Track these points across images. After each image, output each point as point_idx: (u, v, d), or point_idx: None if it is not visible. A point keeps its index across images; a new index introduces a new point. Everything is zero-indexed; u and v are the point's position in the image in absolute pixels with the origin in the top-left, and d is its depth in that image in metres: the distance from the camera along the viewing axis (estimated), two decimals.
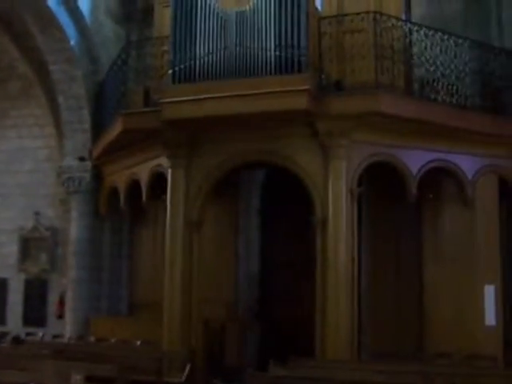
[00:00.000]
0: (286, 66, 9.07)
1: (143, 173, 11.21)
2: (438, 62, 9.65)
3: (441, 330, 10.06)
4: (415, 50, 9.55)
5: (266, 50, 9.20)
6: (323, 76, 9.50)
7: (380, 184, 10.68)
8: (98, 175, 12.80)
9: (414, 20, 10.99)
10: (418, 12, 11.86)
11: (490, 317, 10.00)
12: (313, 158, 9.54)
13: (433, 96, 9.61)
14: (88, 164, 12.72)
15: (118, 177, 12.12)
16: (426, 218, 10.69)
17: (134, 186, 11.63)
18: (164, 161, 10.53)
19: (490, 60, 10.22)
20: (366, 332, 10.35)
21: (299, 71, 9.00)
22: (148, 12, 13.51)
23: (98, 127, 12.48)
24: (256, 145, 9.83)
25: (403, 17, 10.22)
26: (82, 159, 12.71)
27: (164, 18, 11.57)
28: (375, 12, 9.41)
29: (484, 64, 10.10)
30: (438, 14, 11.92)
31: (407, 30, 9.49)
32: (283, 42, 9.10)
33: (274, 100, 8.99)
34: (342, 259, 9.18)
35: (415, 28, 9.58)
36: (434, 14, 11.93)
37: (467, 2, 11.94)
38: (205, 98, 9.33)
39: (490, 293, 10.04)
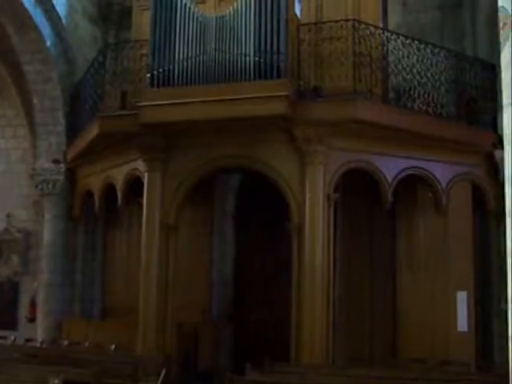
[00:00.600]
0: (265, 71, 9.12)
1: (119, 176, 11.15)
2: (415, 71, 9.77)
3: (414, 336, 10.15)
4: (392, 58, 9.65)
5: (245, 55, 9.25)
6: (301, 82, 9.57)
7: (355, 189, 10.77)
8: (72, 178, 12.68)
9: (390, 28, 11.10)
10: (394, 20, 11.97)
11: (463, 323, 10.13)
12: (290, 163, 9.58)
13: (409, 104, 9.72)
14: (62, 166, 12.58)
15: (93, 180, 12.02)
16: (400, 224, 10.79)
17: (109, 189, 11.56)
18: (140, 164, 10.49)
19: (465, 70, 10.37)
20: (341, 337, 10.40)
21: (278, 77, 9.05)
22: (125, 14, 13.48)
23: (72, 129, 12.37)
24: (233, 150, 9.85)
25: (381, 25, 10.31)
26: (56, 161, 12.57)
27: (142, 21, 11.55)
28: (354, 20, 9.50)
29: (459, 74, 10.25)
30: (414, 22, 12.08)
31: (385, 38, 9.59)
32: (262, 48, 9.16)
33: (253, 105, 9.03)
34: (318, 264, 9.22)
35: (393, 36, 9.69)
36: (410, 22, 12.08)
37: (443, 13, 12.10)
38: (183, 103, 9.33)
39: (462, 299, 10.18)
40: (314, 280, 9.17)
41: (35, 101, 12.47)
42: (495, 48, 10.21)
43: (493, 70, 10.38)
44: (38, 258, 13.01)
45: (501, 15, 5.57)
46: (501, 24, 5.57)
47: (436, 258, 10.29)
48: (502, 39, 5.56)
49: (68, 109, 12.55)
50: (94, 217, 12.72)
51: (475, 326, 10.31)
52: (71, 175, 12.67)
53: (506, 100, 5.48)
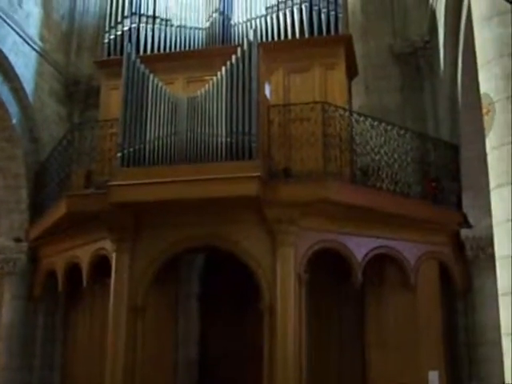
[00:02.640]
0: (236, 152, 9.21)
1: (84, 256, 10.90)
2: (382, 152, 9.99)
3: None
4: (361, 139, 9.85)
5: (216, 136, 9.33)
6: (272, 163, 9.66)
7: (323, 266, 10.74)
8: (34, 257, 12.37)
9: (354, 109, 11.38)
10: (357, 102, 12.33)
11: None
12: (261, 243, 9.54)
13: (378, 184, 9.88)
14: (24, 245, 12.29)
15: (57, 259, 11.73)
16: (369, 301, 10.74)
17: (73, 268, 11.30)
18: (107, 244, 10.30)
19: (429, 150, 10.65)
20: None
21: (249, 158, 9.14)
22: (90, 93, 13.62)
23: (35, 207, 12.19)
24: (203, 229, 9.77)
25: (347, 106, 10.57)
26: (17, 240, 12.29)
27: (110, 101, 11.68)
28: (323, 102, 9.72)
29: (424, 154, 10.51)
30: (377, 104, 12.46)
31: (353, 120, 9.80)
32: (234, 129, 9.28)
33: (225, 186, 9.04)
34: (290, 343, 9.08)
35: (361, 118, 9.93)
36: (373, 104, 12.45)
37: (404, 95, 12.53)
38: (154, 183, 9.30)
39: (433, 379, 10.09)
40: (286, 360, 9.00)
41: None
42: (456, 129, 10.60)
43: (456, 151, 10.69)
44: None
45: (484, 102, 5.81)
46: (484, 110, 5.80)
47: (406, 337, 10.23)
48: (486, 125, 5.77)
49: (32, 187, 12.36)
50: (55, 297, 12.37)
51: None
52: (33, 254, 12.36)
53: (493, 183, 5.65)
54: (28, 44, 12.26)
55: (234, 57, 9.68)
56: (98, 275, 10.82)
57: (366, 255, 9.92)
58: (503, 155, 5.51)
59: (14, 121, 11.92)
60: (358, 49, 12.18)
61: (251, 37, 9.78)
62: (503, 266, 5.44)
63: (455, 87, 10.33)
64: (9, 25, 11.51)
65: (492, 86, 5.72)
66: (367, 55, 13.13)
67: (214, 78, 9.71)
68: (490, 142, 5.72)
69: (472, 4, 6.48)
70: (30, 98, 12.23)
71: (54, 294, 12.12)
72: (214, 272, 12.52)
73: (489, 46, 5.85)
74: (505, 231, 5.41)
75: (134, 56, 10.19)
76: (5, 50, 11.40)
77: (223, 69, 9.67)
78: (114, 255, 10.05)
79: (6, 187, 12.35)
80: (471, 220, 10.36)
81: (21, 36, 11.97)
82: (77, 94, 13.86)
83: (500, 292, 5.49)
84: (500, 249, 5.54)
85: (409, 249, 10.29)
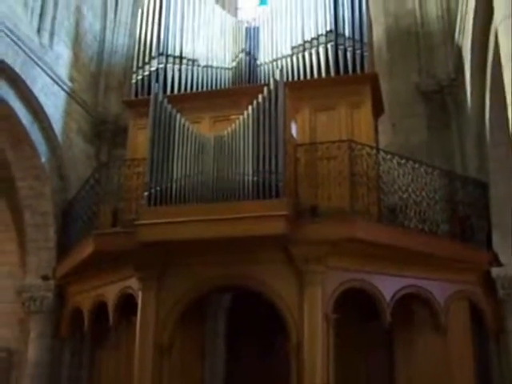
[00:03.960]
0: (263, 191, 9.19)
1: (111, 294, 10.90)
2: (410, 190, 9.91)
3: None
4: (388, 177, 9.79)
5: (243, 174, 9.35)
6: (298, 201, 9.63)
7: (351, 305, 10.59)
8: (60, 295, 12.39)
9: (381, 147, 11.34)
10: (384, 140, 12.30)
11: None
12: (288, 283, 9.45)
13: (406, 222, 9.78)
14: (51, 283, 12.33)
15: (83, 297, 11.74)
16: (397, 342, 10.56)
17: (99, 307, 11.29)
18: (134, 282, 10.29)
19: (457, 188, 10.55)
20: None
21: (276, 196, 9.11)
22: (118, 133, 13.79)
23: (63, 245, 12.25)
24: (231, 269, 9.71)
25: (374, 145, 10.54)
26: (45, 278, 12.34)
27: (137, 140, 11.81)
28: (350, 141, 9.71)
29: (452, 192, 10.41)
30: (404, 142, 12.43)
31: (381, 158, 9.76)
32: (261, 168, 9.28)
33: (252, 225, 9.02)
34: None
35: (388, 156, 9.88)
36: (400, 142, 12.43)
37: (431, 133, 12.49)
38: (181, 222, 9.31)
39: None
40: None
41: (27, 216, 12.37)
42: (483, 167, 10.50)
43: (484, 189, 10.58)
44: (21, 379, 12.49)
45: None
46: None
47: (437, 380, 10.02)
48: None
49: (59, 225, 12.44)
50: (81, 335, 12.35)
51: None
52: (60, 292, 12.39)
53: None
54: (58, 84, 12.47)
55: (260, 96, 9.73)
56: (124, 314, 10.79)
57: (394, 295, 9.75)
58: None
59: (43, 159, 12.08)
60: (384, 86, 12.16)
61: (278, 76, 9.84)
62: None
63: (483, 124, 10.26)
64: (40, 66, 11.73)
65: None
66: (393, 93, 13.14)
67: (241, 117, 9.76)
68: None
69: (499, 41, 6.45)
70: (59, 137, 12.40)
71: (81, 332, 12.11)
72: (241, 310, 12.42)
73: None
74: None
75: (161, 96, 10.30)
76: (35, 91, 11.60)
77: (250, 108, 9.73)
78: (140, 293, 10.03)
79: (34, 225, 12.46)
80: (502, 258, 10.19)
81: (51, 77, 12.19)
82: (104, 133, 14.04)
83: None
84: None
85: (438, 288, 10.12)
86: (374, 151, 9.85)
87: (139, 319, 9.93)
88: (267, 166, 9.25)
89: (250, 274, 9.63)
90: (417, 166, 10.07)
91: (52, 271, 12.36)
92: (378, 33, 13.77)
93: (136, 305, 10.14)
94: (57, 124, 12.34)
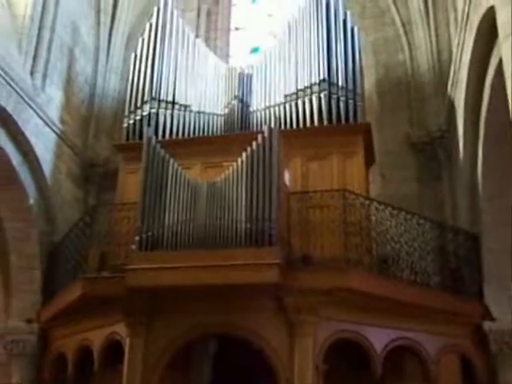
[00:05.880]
0: (256, 238, 9.13)
1: (97, 339, 10.64)
2: (402, 240, 9.89)
3: None
4: (381, 228, 9.78)
5: (236, 221, 9.29)
6: (291, 250, 9.57)
7: (342, 354, 10.43)
8: (44, 338, 12.09)
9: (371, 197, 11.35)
10: (374, 190, 12.32)
11: None
12: (278, 332, 9.30)
13: (398, 273, 9.73)
14: (35, 326, 12.04)
15: (68, 341, 11.44)
16: None
17: (84, 352, 11.04)
18: (121, 328, 10.07)
19: (448, 240, 10.54)
20: None
21: (269, 244, 9.05)
22: (107, 176, 13.71)
23: (48, 289, 12.02)
24: (220, 317, 9.55)
25: (366, 195, 10.56)
26: (28, 321, 12.06)
27: (127, 184, 11.75)
28: (344, 190, 9.71)
29: (444, 244, 10.40)
30: (394, 193, 12.44)
31: (374, 208, 9.76)
32: (254, 215, 9.23)
33: (244, 272, 8.94)
34: None
35: (381, 207, 9.88)
36: (390, 193, 12.43)
37: (422, 184, 12.56)
38: (172, 268, 9.21)
39: None
40: None
41: (13, 258, 12.15)
42: (475, 218, 10.52)
43: (476, 241, 10.56)
44: None
45: None
46: None
47: None
48: None
49: (45, 268, 12.24)
50: (64, 380, 12.01)
51: None
52: (44, 336, 12.08)
53: None
54: (49, 126, 12.43)
55: (254, 143, 9.75)
56: (109, 360, 10.55)
57: (385, 347, 9.62)
58: None
59: (32, 201, 11.94)
60: (374, 136, 12.23)
61: (272, 124, 9.88)
62: None
63: (475, 176, 10.32)
64: (32, 108, 11.70)
65: None
66: (382, 143, 13.20)
67: (234, 163, 9.75)
68: None
69: (503, 58, 6.48)
70: (48, 179, 12.29)
71: (63, 377, 11.78)
72: (227, 357, 12.17)
73: None
74: None
75: (154, 140, 10.28)
76: (27, 133, 11.54)
77: (243, 155, 9.73)
78: (127, 340, 9.82)
79: (19, 267, 12.21)
80: (494, 312, 10.12)
81: (42, 119, 12.15)
82: (93, 177, 13.96)
83: None
84: None
85: (429, 341, 9.97)
86: (368, 201, 9.85)
87: (126, 367, 9.70)
88: (260, 214, 9.21)
89: (240, 323, 9.48)
90: (409, 216, 10.06)
91: (36, 314, 12.09)
92: (370, 82, 13.93)
93: (122, 352, 9.92)
94: (46, 166, 12.25)
